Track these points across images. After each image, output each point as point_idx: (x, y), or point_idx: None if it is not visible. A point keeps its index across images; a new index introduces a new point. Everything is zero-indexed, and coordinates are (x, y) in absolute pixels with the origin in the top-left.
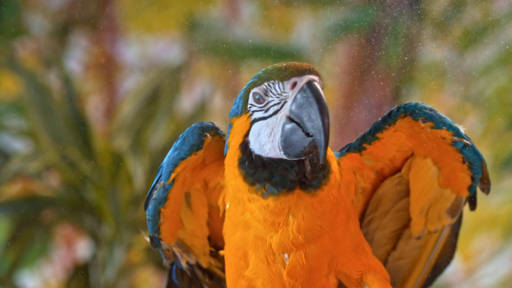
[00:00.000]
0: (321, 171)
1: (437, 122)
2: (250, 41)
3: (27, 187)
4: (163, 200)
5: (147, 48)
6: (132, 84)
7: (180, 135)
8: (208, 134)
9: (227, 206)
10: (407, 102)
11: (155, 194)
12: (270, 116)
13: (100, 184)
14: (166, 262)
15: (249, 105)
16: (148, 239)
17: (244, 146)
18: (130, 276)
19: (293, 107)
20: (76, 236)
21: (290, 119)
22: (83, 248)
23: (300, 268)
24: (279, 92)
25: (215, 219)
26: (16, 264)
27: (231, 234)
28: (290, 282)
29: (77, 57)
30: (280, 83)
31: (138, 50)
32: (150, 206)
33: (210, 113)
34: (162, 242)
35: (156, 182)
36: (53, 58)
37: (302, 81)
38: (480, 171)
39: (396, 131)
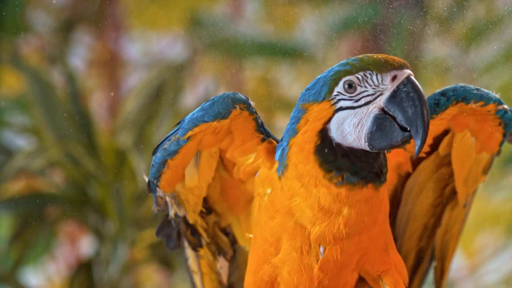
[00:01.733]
0: (386, 167)
1: (486, 99)
2: (253, 38)
3: (30, 184)
4: (173, 153)
5: (150, 45)
6: (135, 81)
7: (212, 97)
8: (237, 107)
9: (268, 190)
10: (450, 87)
11: (167, 145)
12: (360, 106)
13: (104, 181)
14: (155, 208)
15: (335, 93)
16: (146, 180)
17: (324, 133)
18: (133, 273)
19: (391, 100)
20: (80, 233)
21: (383, 112)
22: (86, 245)
23: (333, 263)
24: (376, 83)
25: (217, 185)
26: (19, 261)
27: (268, 219)
28: (320, 275)
29: (81, 54)
30: (379, 75)
31: (142, 47)
32: (158, 154)
33: None
34: (158, 189)
35: (172, 133)
36: (57, 55)
37: (403, 75)
38: (511, 126)
39: (443, 118)
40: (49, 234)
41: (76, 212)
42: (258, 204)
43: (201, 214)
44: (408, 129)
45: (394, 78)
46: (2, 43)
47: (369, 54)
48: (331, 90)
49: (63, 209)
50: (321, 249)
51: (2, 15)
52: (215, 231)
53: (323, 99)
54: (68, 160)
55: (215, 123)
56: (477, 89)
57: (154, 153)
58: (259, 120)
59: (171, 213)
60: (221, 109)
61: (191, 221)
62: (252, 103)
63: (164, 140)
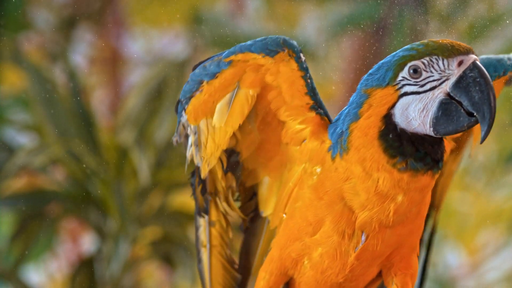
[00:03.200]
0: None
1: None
2: (254, 35)
3: (32, 181)
4: (211, 75)
5: (152, 42)
6: (137, 78)
7: (269, 36)
8: (286, 50)
9: (318, 169)
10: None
11: (207, 64)
12: (425, 91)
13: (105, 178)
14: (175, 138)
15: (400, 78)
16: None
17: (388, 118)
18: (135, 271)
19: (457, 85)
20: (81, 230)
21: (449, 97)
22: (88, 242)
23: (370, 253)
24: (442, 68)
25: (256, 139)
26: (21, 259)
27: (315, 198)
28: (354, 263)
29: (82, 51)
30: (445, 60)
31: (143, 44)
32: (197, 71)
33: None
34: (184, 114)
35: (217, 55)
36: (58, 52)
37: (469, 60)
38: None
39: None
40: (50, 231)
41: (77, 209)
42: (301, 180)
43: (226, 169)
44: (474, 114)
45: (460, 63)
46: (4, 40)
47: (433, 39)
48: (396, 75)
49: (65, 206)
50: (363, 237)
51: (3, 13)
52: (237, 191)
53: (387, 84)
54: (69, 158)
55: (260, 57)
56: (509, 59)
57: (193, 69)
58: (310, 82)
59: (188, 155)
60: (270, 45)
61: (203, 173)
62: (303, 57)
63: (208, 59)
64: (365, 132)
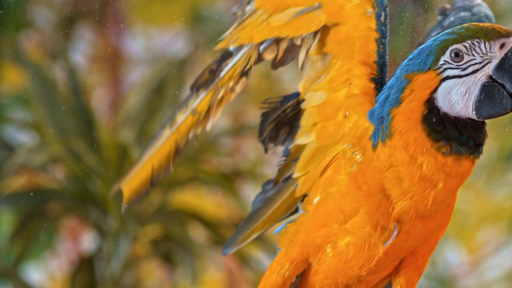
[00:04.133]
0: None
1: None
2: None
3: (32, 180)
4: None
5: (152, 40)
6: (137, 77)
7: None
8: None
9: (358, 156)
10: None
11: None
12: (467, 75)
13: (106, 177)
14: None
15: (441, 62)
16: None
17: (431, 102)
18: (135, 269)
19: (499, 68)
20: (81, 229)
21: (491, 80)
22: (88, 241)
23: (398, 248)
24: (484, 51)
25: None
26: (21, 257)
27: (353, 187)
28: (381, 258)
29: (82, 50)
30: (487, 43)
31: (143, 43)
32: None
33: None
34: None
35: None
36: (58, 51)
37: (511, 43)
38: None
39: None
40: (50, 229)
41: (77, 207)
42: (338, 163)
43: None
44: None
45: (502, 46)
46: (4, 39)
47: (474, 23)
48: (437, 59)
49: (65, 205)
50: (395, 232)
51: (3, 11)
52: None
53: (429, 68)
54: (69, 156)
55: None
56: None
57: None
58: (383, 50)
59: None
60: None
61: (251, 60)
62: (384, 17)
63: None
64: (408, 117)
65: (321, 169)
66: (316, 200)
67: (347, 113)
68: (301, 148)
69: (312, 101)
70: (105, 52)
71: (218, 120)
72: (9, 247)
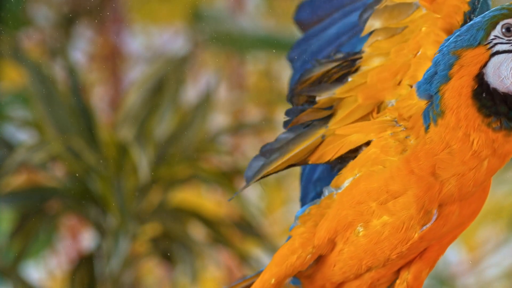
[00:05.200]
0: None
1: None
2: (255, 32)
3: (31, 178)
4: None
5: (152, 38)
6: (137, 75)
7: None
8: None
9: (412, 141)
10: None
11: None
12: None
13: (105, 175)
14: None
15: (492, 37)
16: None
17: (480, 78)
18: (135, 267)
19: None
20: (81, 227)
21: None
22: (88, 239)
23: (433, 233)
24: None
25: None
26: (21, 255)
27: (405, 170)
28: (416, 241)
29: (82, 48)
30: None
31: (143, 41)
32: None
33: (215, 103)
34: None
35: None
36: (58, 49)
37: None
38: None
39: None
40: (50, 228)
41: (77, 206)
42: (386, 144)
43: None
44: None
45: None
46: (3, 37)
47: None
48: (488, 34)
49: (64, 203)
50: (435, 216)
51: (3, 9)
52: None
53: (479, 43)
54: (69, 154)
55: None
56: None
57: None
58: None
59: None
60: None
61: None
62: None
63: None
64: (458, 92)
65: (358, 140)
66: (354, 177)
67: (402, 80)
68: (334, 100)
69: (371, 60)
70: (105, 50)
71: (217, 119)
72: (9, 245)
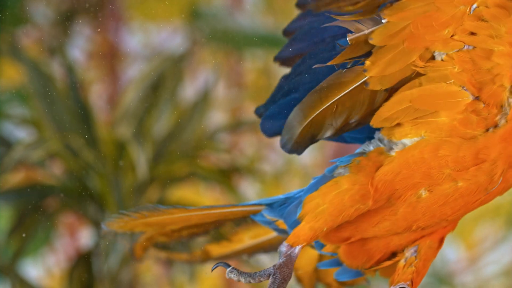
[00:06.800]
0: None
1: None
2: (253, 29)
3: (30, 176)
4: None
5: (150, 36)
6: (135, 73)
7: None
8: None
9: (503, 121)
10: None
11: None
12: None
13: (103, 172)
14: None
15: None
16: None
17: None
18: (133, 265)
19: None
20: (79, 225)
21: None
22: (86, 237)
23: (492, 196)
24: None
25: None
26: (19, 253)
27: (495, 143)
28: (479, 203)
29: (80, 46)
30: None
31: (141, 39)
32: None
33: (213, 101)
34: None
35: None
36: (56, 47)
37: None
38: None
39: None
40: (48, 225)
41: (75, 203)
42: (468, 119)
43: None
44: None
45: None
46: (1, 35)
47: None
48: None
49: (63, 201)
50: (500, 179)
51: (1, 7)
52: None
53: None
54: (67, 152)
55: None
56: None
57: None
58: None
59: None
60: None
61: None
62: None
63: None
64: None
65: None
66: (419, 138)
67: (455, 35)
68: (361, 43)
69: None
70: (103, 48)
71: (215, 116)
72: (7, 243)
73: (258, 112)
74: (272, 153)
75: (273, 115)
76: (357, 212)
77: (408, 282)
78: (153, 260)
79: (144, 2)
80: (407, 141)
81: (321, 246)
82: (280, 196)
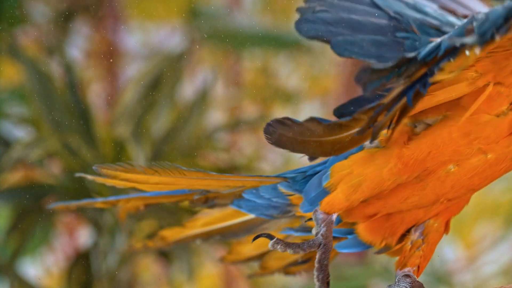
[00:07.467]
0: None
1: None
2: (252, 28)
3: (28, 175)
4: None
5: (149, 35)
6: (133, 72)
7: None
8: None
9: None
10: None
11: None
12: None
13: None
14: None
15: None
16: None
17: None
18: (131, 264)
19: None
20: (78, 224)
21: None
22: (84, 236)
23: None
24: None
25: None
26: (17, 252)
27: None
28: (505, 171)
29: (79, 45)
30: None
31: (140, 38)
32: None
33: (212, 100)
34: None
35: None
36: (55, 46)
37: None
38: None
39: None
40: (47, 225)
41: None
42: (493, 100)
43: None
44: None
45: None
46: (0, 34)
47: None
48: None
49: (61, 200)
50: None
51: (0, 6)
52: None
53: None
54: (66, 151)
55: None
56: None
57: None
58: None
59: None
60: None
61: None
62: None
63: None
64: None
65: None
66: (443, 116)
67: None
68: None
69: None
70: (102, 47)
71: (214, 116)
72: (5, 242)
73: None
74: (271, 152)
75: None
76: (393, 185)
77: (414, 268)
78: (147, 250)
79: (143, 1)
80: (429, 120)
81: (338, 222)
82: (301, 168)
